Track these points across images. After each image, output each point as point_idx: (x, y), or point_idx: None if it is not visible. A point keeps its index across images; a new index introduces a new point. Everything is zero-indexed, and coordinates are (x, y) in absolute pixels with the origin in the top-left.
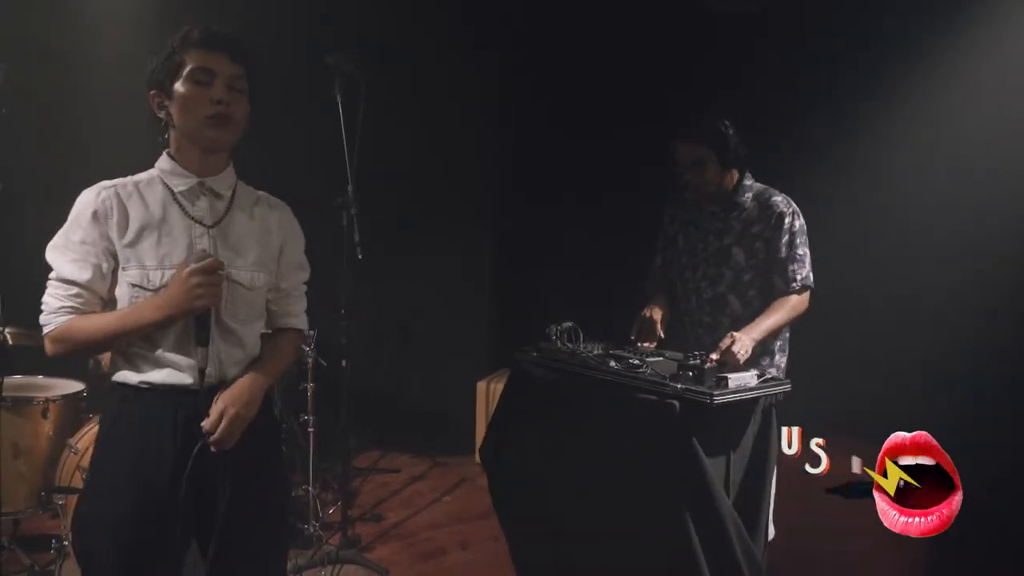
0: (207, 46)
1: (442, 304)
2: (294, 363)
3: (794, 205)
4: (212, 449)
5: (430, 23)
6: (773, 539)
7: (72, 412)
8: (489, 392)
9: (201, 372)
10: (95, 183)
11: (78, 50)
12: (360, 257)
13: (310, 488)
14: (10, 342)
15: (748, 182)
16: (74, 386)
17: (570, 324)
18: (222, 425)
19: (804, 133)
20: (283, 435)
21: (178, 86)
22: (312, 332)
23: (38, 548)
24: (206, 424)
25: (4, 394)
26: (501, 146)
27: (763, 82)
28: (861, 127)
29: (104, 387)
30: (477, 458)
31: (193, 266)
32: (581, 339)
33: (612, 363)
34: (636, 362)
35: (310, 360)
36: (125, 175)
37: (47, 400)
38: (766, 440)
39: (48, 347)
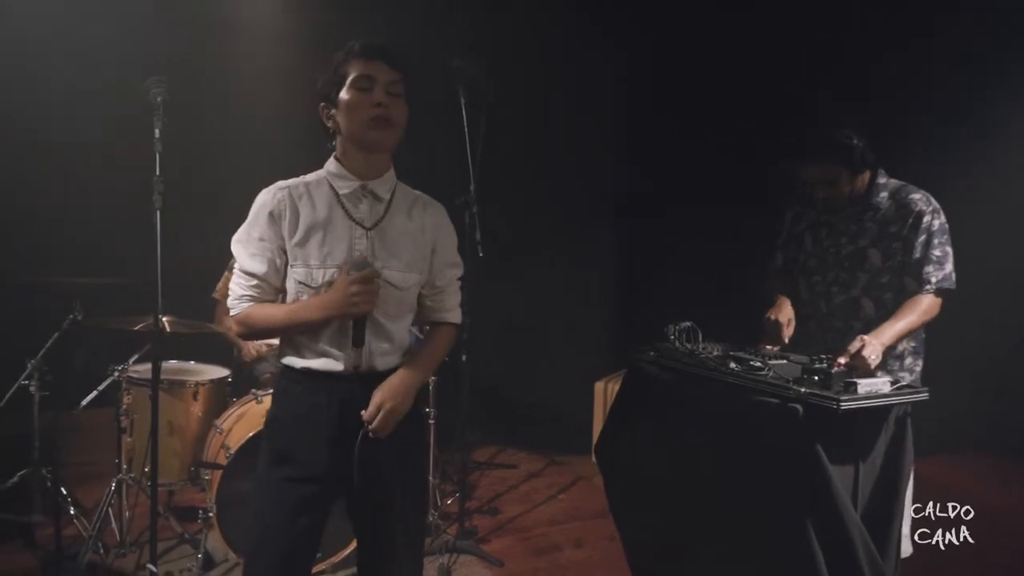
0: (367, 55)
1: (563, 303)
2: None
3: (934, 203)
4: (370, 435)
5: (553, 25)
6: (909, 557)
7: (218, 395)
8: (607, 392)
9: (355, 368)
10: (246, 186)
11: (226, 63)
12: (481, 255)
13: (431, 478)
14: (167, 330)
15: (882, 180)
16: (220, 372)
17: (689, 324)
18: (379, 417)
19: (945, 133)
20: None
21: (342, 94)
22: None
23: (187, 518)
24: (366, 415)
25: (162, 377)
26: (623, 147)
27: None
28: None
29: (244, 374)
30: (594, 458)
31: (353, 276)
32: (700, 339)
33: (732, 364)
34: (758, 364)
35: None
36: (271, 179)
37: (197, 384)
38: (899, 451)
39: (234, 328)
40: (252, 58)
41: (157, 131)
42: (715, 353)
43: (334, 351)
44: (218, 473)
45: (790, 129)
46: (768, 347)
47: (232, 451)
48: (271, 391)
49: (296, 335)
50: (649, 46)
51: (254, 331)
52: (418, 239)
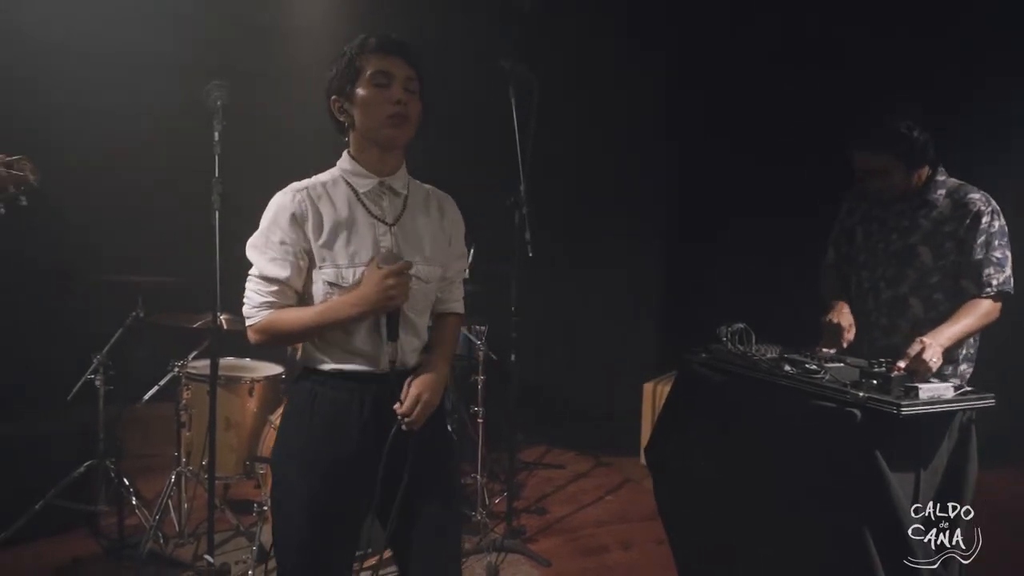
0: (384, 51)
1: (612, 303)
2: (467, 355)
3: (994, 204)
4: (404, 429)
5: (599, 26)
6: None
7: (273, 392)
8: (656, 394)
9: (392, 364)
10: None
11: (280, 66)
12: (531, 255)
13: (478, 477)
14: (224, 327)
15: (941, 178)
16: (275, 369)
17: (742, 325)
18: (417, 409)
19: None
20: (455, 423)
21: (359, 90)
22: (483, 327)
23: (242, 510)
24: (403, 408)
25: (219, 373)
26: (675, 144)
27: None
28: None
29: (296, 371)
30: (642, 460)
31: (388, 268)
32: (753, 341)
33: (787, 367)
34: (813, 367)
35: (481, 354)
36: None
37: (253, 380)
38: (963, 459)
39: (252, 337)
40: (304, 62)
41: (216, 134)
42: (769, 355)
43: (366, 350)
44: None
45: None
46: (823, 350)
47: (278, 446)
48: None
49: (325, 337)
50: (699, 45)
51: (277, 337)
52: (437, 232)
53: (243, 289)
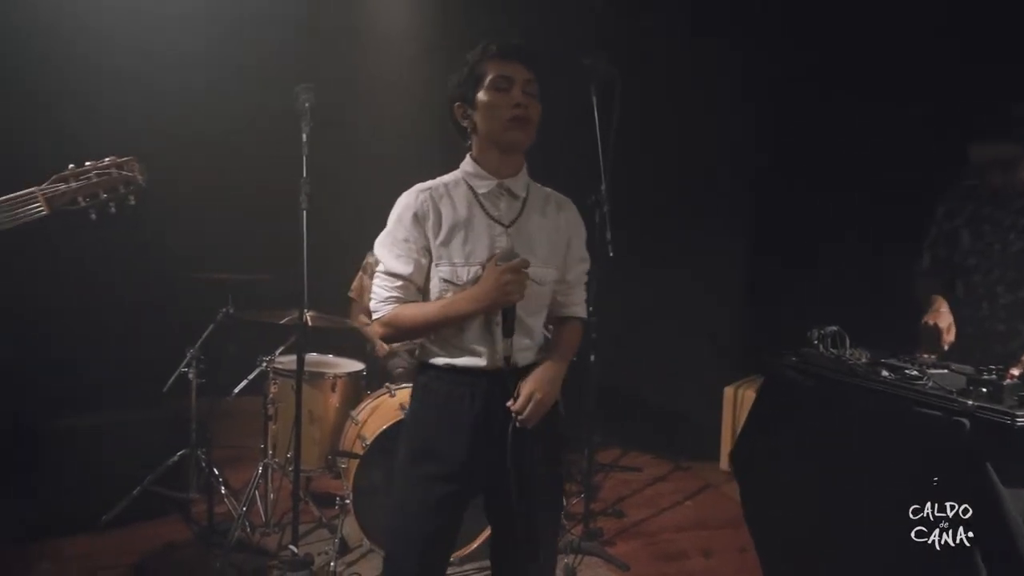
0: (505, 56)
1: (693, 303)
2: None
3: None
4: (517, 426)
5: (676, 23)
6: None
7: (354, 388)
8: (737, 398)
9: (506, 359)
10: (381, 187)
11: (364, 69)
12: (611, 254)
13: None
14: (310, 324)
15: None
16: (356, 365)
17: (835, 328)
18: (530, 407)
19: None
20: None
21: (480, 95)
22: None
23: (323, 503)
24: (516, 405)
25: (304, 368)
26: (756, 144)
27: None
28: None
29: (377, 368)
30: (723, 464)
31: (506, 265)
32: (847, 345)
33: (884, 372)
34: (914, 373)
35: None
36: (405, 180)
37: (335, 376)
38: None
39: (378, 330)
40: (388, 65)
41: (304, 135)
42: (864, 360)
43: (478, 347)
44: (354, 462)
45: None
46: (924, 355)
47: (368, 442)
48: (403, 385)
49: (441, 333)
50: (782, 39)
51: (401, 330)
52: (553, 235)
53: (327, 287)
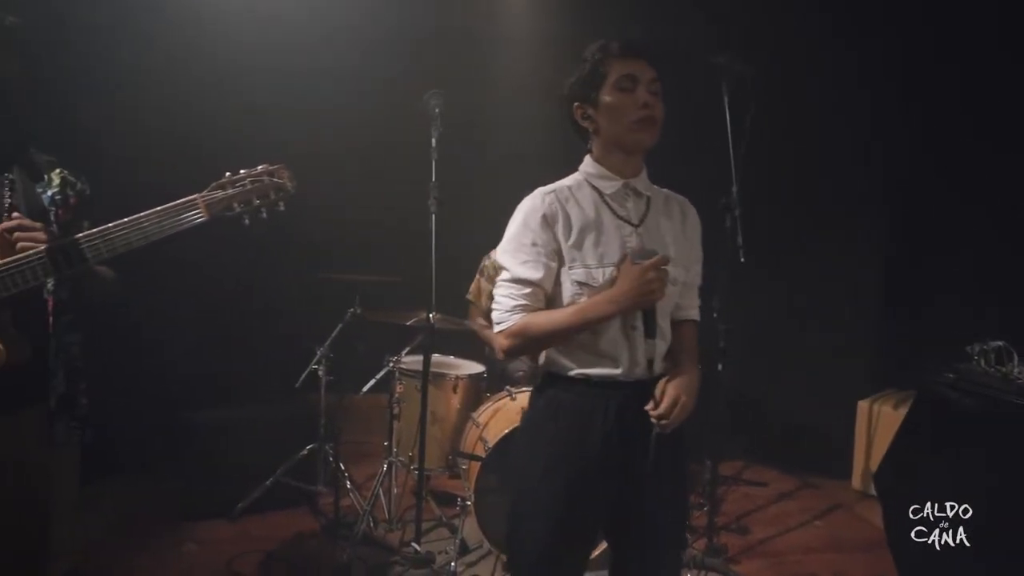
0: (628, 54)
1: (825, 312)
2: None
3: None
4: (658, 432)
5: (818, 13)
6: None
7: (475, 389)
8: (872, 414)
9: (650, 363)
10: (512, 189)
11: (493, 73)
12: (742, 260)
13: None
14: (436, 326)
15: None
16: (477, 367)
17: (1000, 343)
18: (675, 412)
19: None
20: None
21: (604, 95)
22: None
23: (441, 502)
24: (660, 410)
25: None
26: (900, 135)
27: None
28: None
29: (496, 371)
30: (855, 484)
31: (647, 262)
32: (1016, 361)
33: None
34: None
35: None
36: (535, 184)
37: (457, 377)
38: None
39: (504, 343)
40: (514, 68)
41: (434, 140)
42: None
43: (616, 353)
44: (476, 464)
45: None
46: None
47: (490, 444)
48: (524, 388)
49: (572, 340)
50: (917, 35)
51: (531, 340)
52: (679, 235)
53: (453, 290)
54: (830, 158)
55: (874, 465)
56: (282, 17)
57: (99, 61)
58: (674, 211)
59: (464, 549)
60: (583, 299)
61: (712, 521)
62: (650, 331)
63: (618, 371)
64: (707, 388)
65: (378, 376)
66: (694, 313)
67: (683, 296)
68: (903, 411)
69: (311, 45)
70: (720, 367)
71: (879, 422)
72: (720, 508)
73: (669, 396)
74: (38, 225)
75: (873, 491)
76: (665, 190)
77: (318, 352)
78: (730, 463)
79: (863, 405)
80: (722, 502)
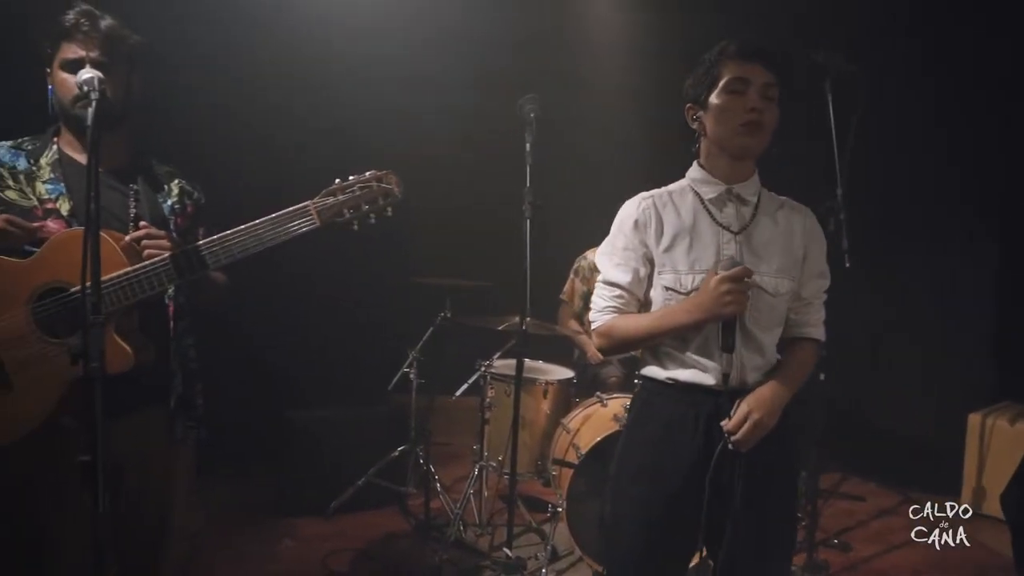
0: (743, 57)
1: (931, 319)
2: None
3: None
4: (730, 448)
5: (927, 12)
6: None
7: (564, 395)
8: (985, 428)
9: (725, 376)
10: (607, 195)
11: (587, 78)
12: (848, 265)
13: None
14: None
15: None
16: (566, 372)
17: None
18: (745, 428)
19: None
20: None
21: (713, 97)
22: None
23: (530, 507)
24: (729, 425)
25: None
26: (1014, 146)
27: None
28: None
29: (587, 376)
30: (964, 501)
31: (723, 274)
32: None
33: None
34: None
35: None
36: (628, 188)
37: (547, 382)
38: None
39: (596, 341)
40: (608, 73)
41: (528, 145)
42: None
43: (702, 361)
44: (567, 470)
45: None
46: None
47: (583, 451)
48: (615, 395)
49: (662, 344)
50: None
51: (615, 342)
52: (788, 245)
53: (544, 293)
54: (943, 160)
55: (988, 482)
56: (381, 27)
57: (209, 74)
58: (784, 219)
59: (554, 555)
60: (673, 304)
61: (812, 535)
62: (726, 345)
63: (708, 379)
64: (807, 397)
65: (471, 380)
66: (813, 332)
67: (800, 312)
68: (1021, 427)
69: (408, 53)
70: (821, 376)
71: (992, 436)
72: (817, 522)
73: (741, 411)
74: (163, 234)
75: (984, 510)
76: (783, 198)
77: (410, 355)
78: (825, 475)
79: (974, 418)
80: (819, 515)
